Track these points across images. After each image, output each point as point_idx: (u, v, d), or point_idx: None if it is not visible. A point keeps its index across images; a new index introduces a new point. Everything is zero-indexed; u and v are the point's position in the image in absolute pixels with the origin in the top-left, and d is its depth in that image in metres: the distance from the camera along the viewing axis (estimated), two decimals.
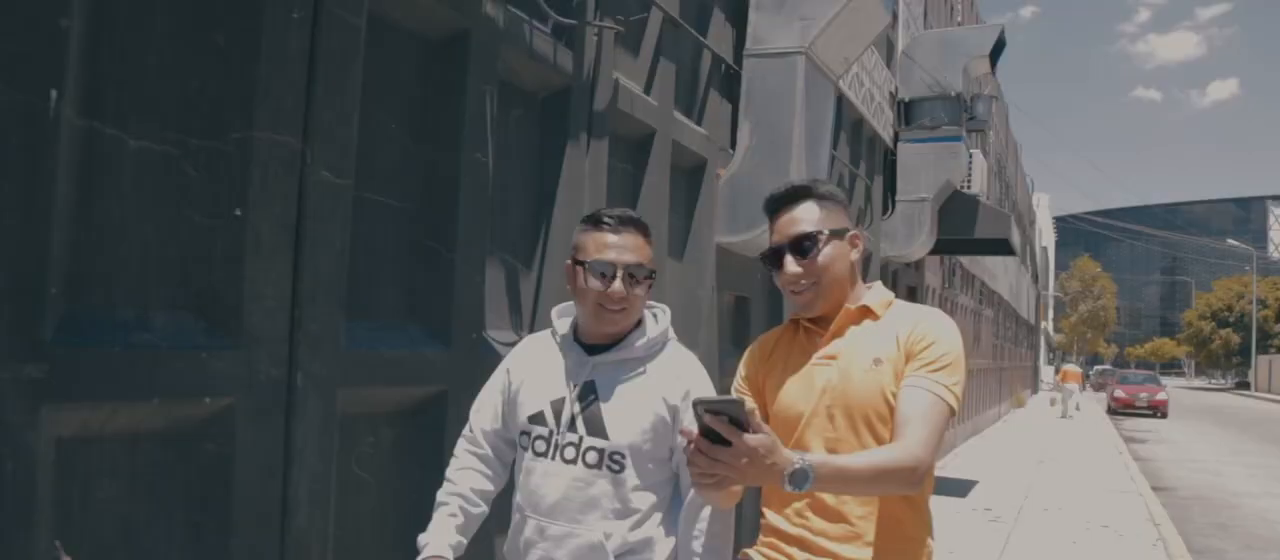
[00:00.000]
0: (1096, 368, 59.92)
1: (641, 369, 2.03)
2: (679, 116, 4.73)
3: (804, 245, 1.90)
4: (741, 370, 2.07)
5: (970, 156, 10.93)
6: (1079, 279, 67.22)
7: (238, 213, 2.27)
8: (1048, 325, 57.56)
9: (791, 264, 1.91)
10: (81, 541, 2.00)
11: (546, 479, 2.00)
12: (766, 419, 1.92)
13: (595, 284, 1.98)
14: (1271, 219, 58.17)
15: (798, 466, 1.57)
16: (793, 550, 1.88)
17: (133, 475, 2.13)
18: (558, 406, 2.02)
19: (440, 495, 2.11)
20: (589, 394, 2.01)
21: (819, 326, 1.97)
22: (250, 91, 2.29)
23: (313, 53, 2.45)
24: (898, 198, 9.80)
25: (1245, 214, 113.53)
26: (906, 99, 10.01)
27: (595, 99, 3.82)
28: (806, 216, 1.92)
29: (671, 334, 2.12)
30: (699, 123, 5.06)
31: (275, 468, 2.38)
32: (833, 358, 1.91)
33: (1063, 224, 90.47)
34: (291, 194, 2.40)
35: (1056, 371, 31.71)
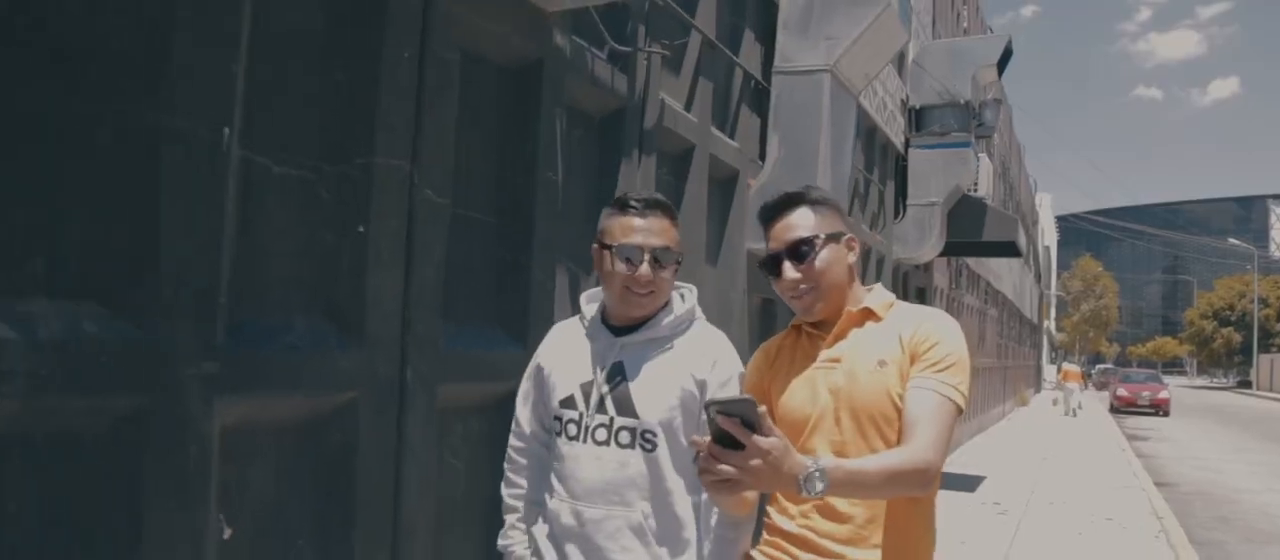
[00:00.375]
0: (1099, 366, 60.17)
1: (669, 346, 2.06)
2: (715, 131, 5.07)
3: (800, 250, 1.91)
4: (748, 376, 2.08)
5: (977, 161, 11.25)
6: (1081, 278, 67.49)
7: (361, 230, 2.59)
8: (1050, 324, 57.86)
9: (789, 270, 1.92)
10: (238, 518, 2.32)
11: (579, 462, 2.02)
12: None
13: (622, 268, 1.99)
14: (1272, 218, 58.63)
15: (811, 471, 1.56)
16: (797, 551, 1.88)
17: (277, 460, 2.45)
18: (587, 389, 2.04)
19: (509, 498, 2.21)
20: (617, 375, 2.03)
21: (821, 330, 1.98)
22: (370, 121, 2.61)
23: (419, 86, 2.78)
24: (908, 201, 10.13)
25: (1246, 213, 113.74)
26: (917, 106, 10.33)
27: (645, 118, 4.14)
28: (802, 222, 1.93)
29: (699, 313, 2.15)
30: (732, 136, 5.39)
31: (389, 455, 2.70)
32: (837, 361, 1.91)
33: (1064, 223, 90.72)
34: (402, 212, 2.72)
35: (1058, 371, 32.01)
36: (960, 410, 1.81)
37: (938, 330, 1.87)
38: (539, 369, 2.18)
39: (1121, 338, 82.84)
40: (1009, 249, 11.70)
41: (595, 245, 2.07)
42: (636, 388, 2.01)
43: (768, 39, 5.72)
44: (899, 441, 1.79)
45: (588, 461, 2.01)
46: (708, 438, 1.54)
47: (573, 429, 2.04)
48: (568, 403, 2.06)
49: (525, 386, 2.23)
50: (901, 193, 10.15)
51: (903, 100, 9.94)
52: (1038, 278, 38.49)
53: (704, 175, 4.85)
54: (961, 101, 10.12)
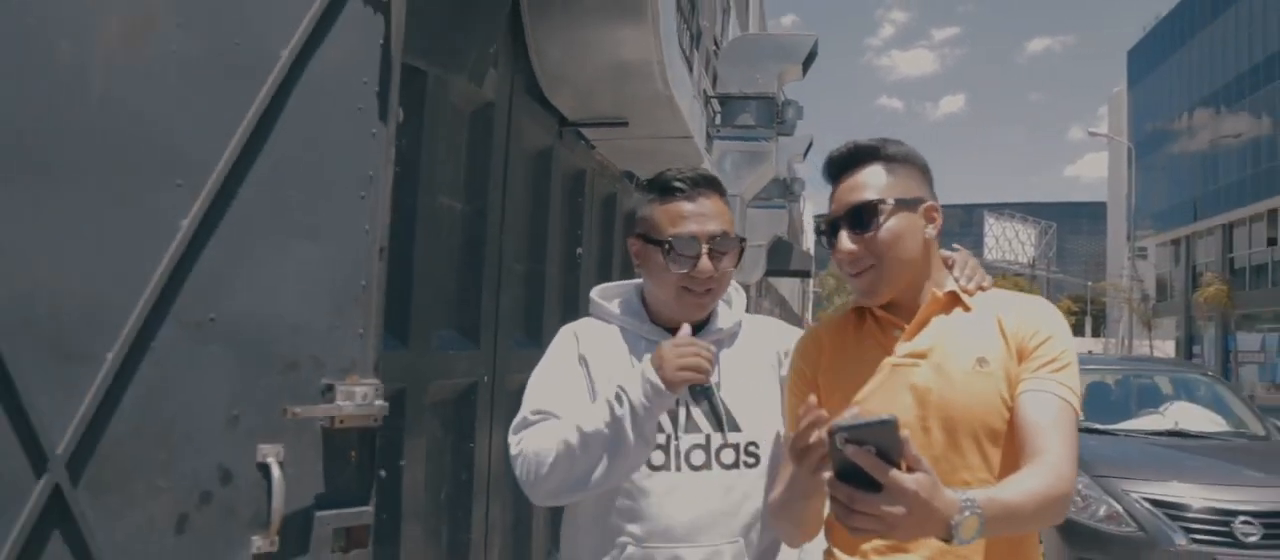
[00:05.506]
0: None
1: (737, 344, 1.81)
2: None
3: (862, 217, 1.54)
4: (793, 367, 1.69)
5: (796, 203, 16.18)
6: (835, 276, 76.76)
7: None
8: (809, 316, 66.13)
9: (845, 240, 1.55)
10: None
11: (674, 495, 1.68)
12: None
13: (676, 265, 1.69)
14: (986, 227, 70.17)
15: (965, 513, 1.20)
16: None
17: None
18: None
19: (560, 426, 1.65)
20: (698, 386, 1.70)
21: (894, 315, 1.59)
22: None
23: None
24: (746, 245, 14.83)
25: (969, 218, 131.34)
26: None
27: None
28: (869, 182, 1.56)
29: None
30: None
31: None
32: (921, 356, 1.54)
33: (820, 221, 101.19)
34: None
35: None
36: (1078, 417, 1.49)
37: (1049, 322, 1.54)
38: (587, 380, 1.75)
39: None
40: (805, 274, 16.77)
41: (634, 239, 1.78)
42: (731, 396, 1.74)
43: None
44: (1009, 458, 1.47)
45: (685, 493, 1.68)
46: (830, 473, 1.19)
47: (657, 457, 1.68)
48: None
49: (558, 384, 1.75)
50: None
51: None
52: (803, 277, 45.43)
53: None
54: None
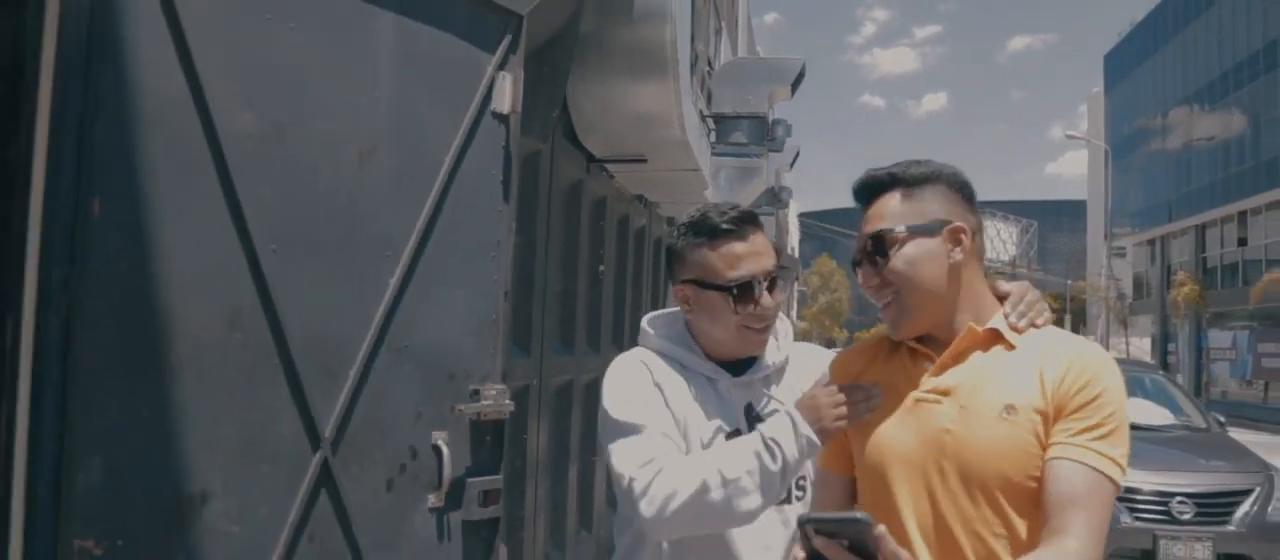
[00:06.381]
0: (833, 349, 70.05)
1: (783, 379, 1.84)
2: None
3: (877, 248, 1.51)
4: None
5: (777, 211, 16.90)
6: (819, 275, 77.79)
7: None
8: (794, 313, 67.11)
9: (866, 273, 1.54)
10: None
11: (745, 531, 1.68)
12: (851, 464, 1.58)
13: (740, 306, 1.72)
14: None
15: None
16: None
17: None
18: None
19: (698, 469, 1.60)
20: (755, 422, 1.73)
21: (928, 347, 1.53)
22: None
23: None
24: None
25: None
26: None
27: None
28: (884, 211, 1.53)
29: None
30: None
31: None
32: (946, 393, 1.47)
33: (804, 220, 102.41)
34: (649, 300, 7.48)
35: None
36: (1118, 490, 1.38)
37: (1099, 375, 1.41)
38: (671, 416, 1.72)
39: (852, 325, 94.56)
40: (792, 278, 17.50)
41: (687, 285, 1.79)
42: None
43: None
44: (1029, 525, 1.38)
45: (753, 529, 1.68)
46: (802, 555, 1.23)
47: None
48: None
49: (658, 423, 1.70)
50: None
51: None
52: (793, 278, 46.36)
53: None
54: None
